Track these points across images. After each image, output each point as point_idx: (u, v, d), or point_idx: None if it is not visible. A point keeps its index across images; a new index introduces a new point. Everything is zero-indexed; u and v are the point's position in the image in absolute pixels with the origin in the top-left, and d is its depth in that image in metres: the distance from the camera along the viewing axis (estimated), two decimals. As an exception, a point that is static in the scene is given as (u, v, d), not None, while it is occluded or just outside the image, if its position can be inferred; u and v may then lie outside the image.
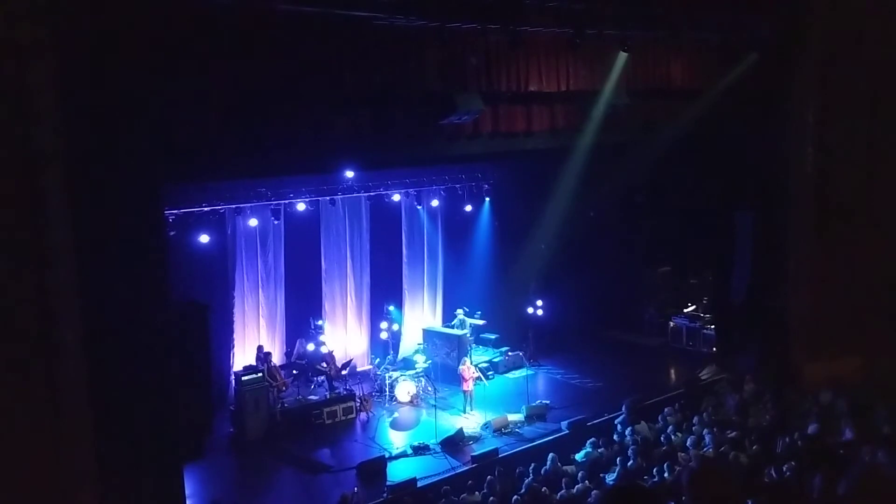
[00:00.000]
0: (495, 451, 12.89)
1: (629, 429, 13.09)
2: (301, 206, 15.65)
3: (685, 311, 18.98)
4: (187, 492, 10.65)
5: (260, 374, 14.33)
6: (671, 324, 18.76)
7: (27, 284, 7.98)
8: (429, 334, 16.71)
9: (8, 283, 7.88)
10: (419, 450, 13.28)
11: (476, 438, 13.63)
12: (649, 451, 12.09)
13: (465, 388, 14.85)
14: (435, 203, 17.76)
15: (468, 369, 14.93)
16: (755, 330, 16.04)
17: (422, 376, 15.65)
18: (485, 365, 16.28)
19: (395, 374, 15.70)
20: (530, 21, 11.84)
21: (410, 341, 17.17)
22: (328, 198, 15.94)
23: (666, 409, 13.77)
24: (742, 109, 15.02)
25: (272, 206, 15.33)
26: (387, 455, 13.09)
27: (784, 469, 9.98)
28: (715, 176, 16.19)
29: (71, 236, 8.40)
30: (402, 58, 11.02)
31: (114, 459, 8.85)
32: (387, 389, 15.54)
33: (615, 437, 13.01)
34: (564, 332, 18.02)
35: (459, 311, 16.96)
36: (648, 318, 19.36)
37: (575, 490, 10.86)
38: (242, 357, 15.29)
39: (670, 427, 12.94)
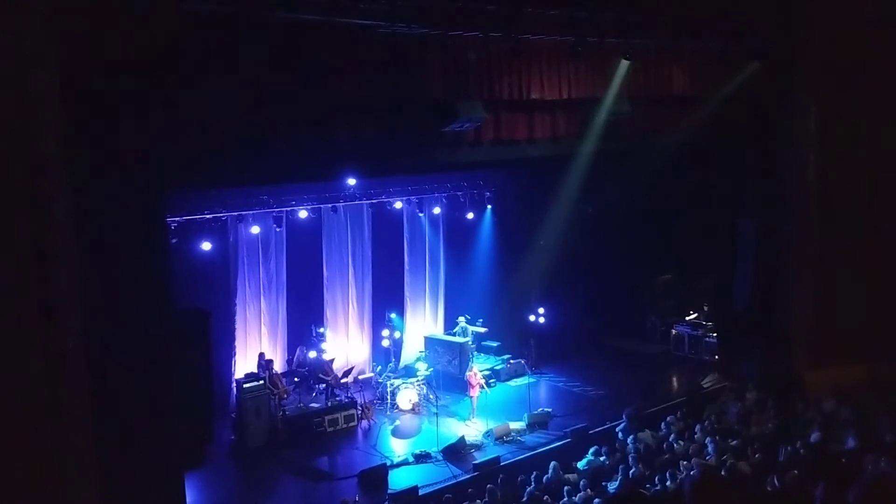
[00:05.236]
0: (497, 459, 12.87)
1: (631, 437, 13.08)
2: (303, 214, 15.67)
3: (687, 318, 18.97)
4: (188, 499, 10.64)
5: (261, 382, 14.32)
6: (673, 331, 18.75)
7: (29, 291, 7.98)
8: (430, 342, 16.68)
9: (10, 289, 7.88)
10: (421, 458, 13.26)
11: (478, 446, 13.60)
12: (651, 459, 12.06)
13: (471, 393, 14.84)
14: (437, 210, 17.78)
15: (475, 375, 14.93)
16: (757, 338, 16.02)
17: (423, 384, 15.64)
18: (487, 373, 16.27)
19: (396, 382, 15.69)
20: (532, 29, 11.88)
21: (412, 349, 17.16)
22: (330, 205, 15.97)
23: (668, 418, 13.76)
24: (743, 117, 15.05)
25: (274, 214, 15.35)
26: (388, 463, 13.06)
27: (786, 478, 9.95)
28: (717, 183, 16.21)
29: (73, 243, 8.41)
30: (404, 66, 11.05)
31: (115, 466, 8.84)
32: (388, 397, 15.52)
33: (617, 445, 12.99)
34: (566, 339, 18.01)
35: (461, 318, 16.97)
36: (650, 325, 19.35)
37: (577, 498, 10.84)
38: (244, 364, 15.28)
39: (672, 435, 12.91)
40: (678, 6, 12.95)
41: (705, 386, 16.12)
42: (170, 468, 9.79)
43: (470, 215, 18.12)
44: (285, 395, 14.78)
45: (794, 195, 15.33)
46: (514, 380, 16.94)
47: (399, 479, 12.59)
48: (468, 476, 12.54)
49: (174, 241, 13.37)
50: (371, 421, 14.91)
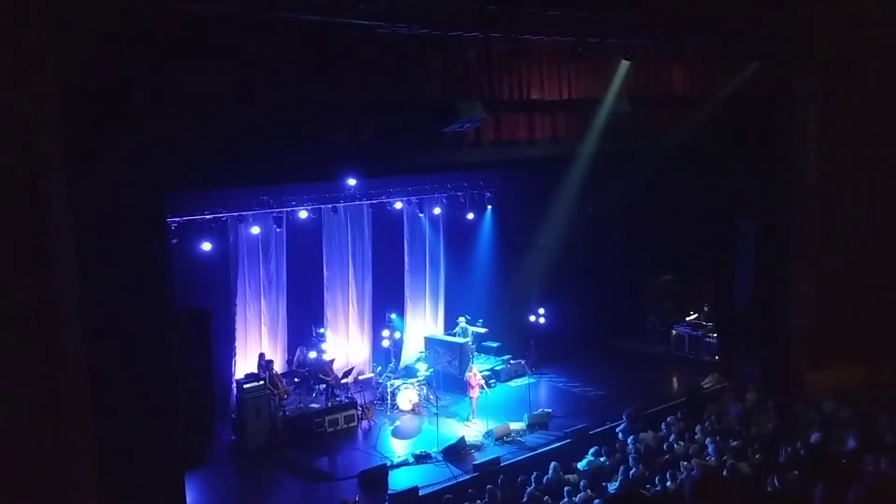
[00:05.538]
0: (497, 460, 12.87)
1: (631, 437, 13.08)
2: (303, 214, 15.67)
3: (687, 319, 18.96)
4: (188, 499, 10.64)
5: (261, 382, 14.31)
6: (673, 332, 18.74)
7: (29, 292, 7.98)
8: (430, 342, 16.68)
9: (10, 290, 7.88)
10: (421, 458, 13.26)
11: (478, 447, 13.60)
12: (652, 459, 12.06)
13: (470, 394, 14.84)
14: (437, 211, 17.78)
15: (474, 376, 14.92)
16: (757, 338, 16.02)
17: (423, 384, 15.63)
18: (487, 373, 16.27)
19: (396, 383, 15.68)
20: (532, 29, 11.87)
21: (412, 349, 17.15)
22: (330, 205, 15.97)
23: (668, 418, 13.75)
24: (743, 117, 15.05)
25: (274, 214, 15.35)
26: (388, 463, 13.06)
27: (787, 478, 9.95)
28: (717, 183, 16.19)
29: (73, 243, 8.41)
30: (405, 66, 11.05)
31: (115, 466, 8.83)
32: (388, 397, 15.52)
33: (617, 445, 12.99)
34: (566, 340, 18.01)
35: (461, 319, 16.97)
36: (650, 326, 19.34)
37: (577, 499, 10.84)
38: (244, 365, 15.28)
39: (672, 436, 12.91)
40: (678, 6, 12.95)
41: (705, 386, 16.12)
42: (170, 468, 9.78)
43: (470, 216, 18.11)
44: (285, 396, 14.78)
45: (794, 195, 15.33)
46: (515, 380, 16.93)
47: (399, 480, 12.59)
48: (468, 476, 12.53)
49: (174, 241, 13.37)
50: (371, 421, 14.91)
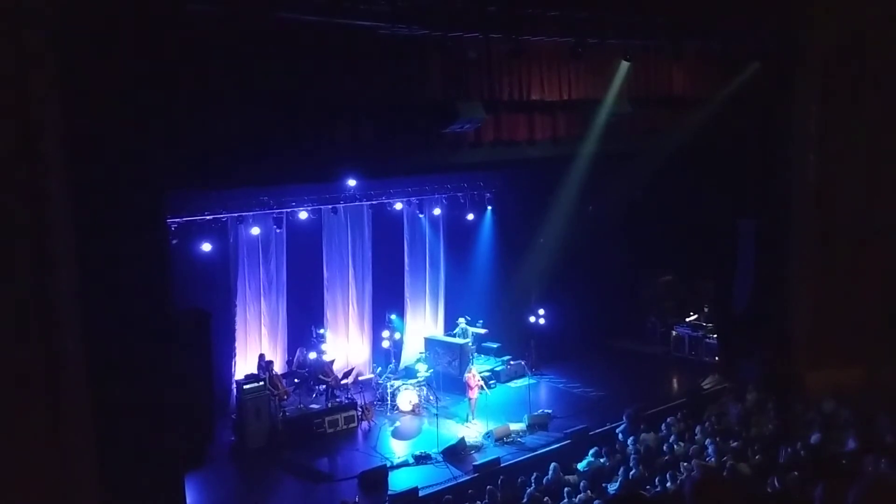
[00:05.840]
0: (497, 461, 12.86)
1: (631, 438, 13.07)
2: (303, 215, 15.66)
3: (687, 319, 18.96)
4: (188, 500, 10.62)
5: (261, 383, 14.31)
6: (673, 332, 18.73)
7: (29, 292, 7.98)
8: (430, 343, 16.67)
9: (9, 290, 7.88)
10: (421, 459, 13.25)
11: (478, 447, 13.59)
12: (652, 460, 12.06)
13: (469, 395, 14.83)
14: (437, 211, 17.78)
15: (473, 377, 14.91)
16: (757, 339, 16.02)
17: (423, 385, 15.63)
18: (487, 374, 16.25)
19: (396, 383, 15.68)
20: (532, 30, 11.88)
21: (412, 350, 17.14)
22: (330, 206, 15.95)
23: (668, 419, 13.75)
24: (743, 117, 15.05)
25: (274, 215, 15.35)
26: (388, 464, 13.05)
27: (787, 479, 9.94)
28: (717, 184, 16.20)
29: (73, 243, 8.41)
30: (405, 67, 11.06)
31: (115, 467, 8.83)
32: (388, 398, 15.51)
33: (617, 446, 12.99)
34: (566, 340, 17.99)
35: (461, 319, 16.96)
36: (650, 326, 19.33)
37: (577, 500, 10.84)
38: (244, 365, 15.27)
39: (673, 436, 12.91)
40: (678, 6, 12.96)
41: (705, 387, 16.12)
42: (170, 469, 9.77)
43: (470, 216, 18.10)
44: (285, 397, 14.77)
45: (794, 195, 15.34)
46: (515, 381, 16.92)
47: (399, 481, 12.58)
48: (468, 477, 12.53)
49: (174, 241, 13.37)
50: (371, 422, 14.90)
